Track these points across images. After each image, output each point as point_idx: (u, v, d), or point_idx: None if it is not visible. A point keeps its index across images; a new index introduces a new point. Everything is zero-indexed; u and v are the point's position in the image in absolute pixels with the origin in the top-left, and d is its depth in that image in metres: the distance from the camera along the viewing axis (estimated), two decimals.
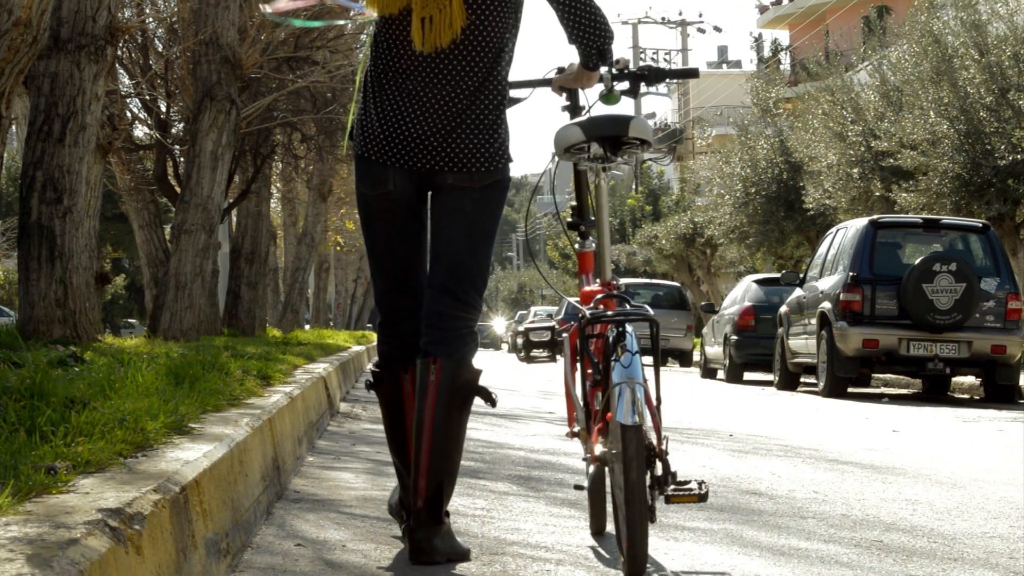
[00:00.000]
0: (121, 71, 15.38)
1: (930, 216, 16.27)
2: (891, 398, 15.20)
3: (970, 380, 16.92)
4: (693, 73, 4.51)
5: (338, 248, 39.31)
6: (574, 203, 4.27)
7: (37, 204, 8.28)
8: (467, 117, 3.87)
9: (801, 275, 17.21)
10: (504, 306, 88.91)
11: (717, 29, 58.70)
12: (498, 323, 65.84)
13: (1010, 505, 5.45)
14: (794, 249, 30.68)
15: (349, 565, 3.74)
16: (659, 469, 3.52)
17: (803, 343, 16.29)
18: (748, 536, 4.42)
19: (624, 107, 4.57)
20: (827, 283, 15.57)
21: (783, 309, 17.47)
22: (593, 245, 4.22)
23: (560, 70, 4.25)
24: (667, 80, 4.34)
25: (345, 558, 3.85)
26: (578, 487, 4.01)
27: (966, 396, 16.50)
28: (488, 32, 3.86)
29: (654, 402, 3.61)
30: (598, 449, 3.73)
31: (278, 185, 25.99)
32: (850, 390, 15.67)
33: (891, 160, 20.37)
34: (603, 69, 4.07)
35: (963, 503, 5.45)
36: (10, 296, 38.68)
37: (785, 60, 47.49)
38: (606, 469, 3.72)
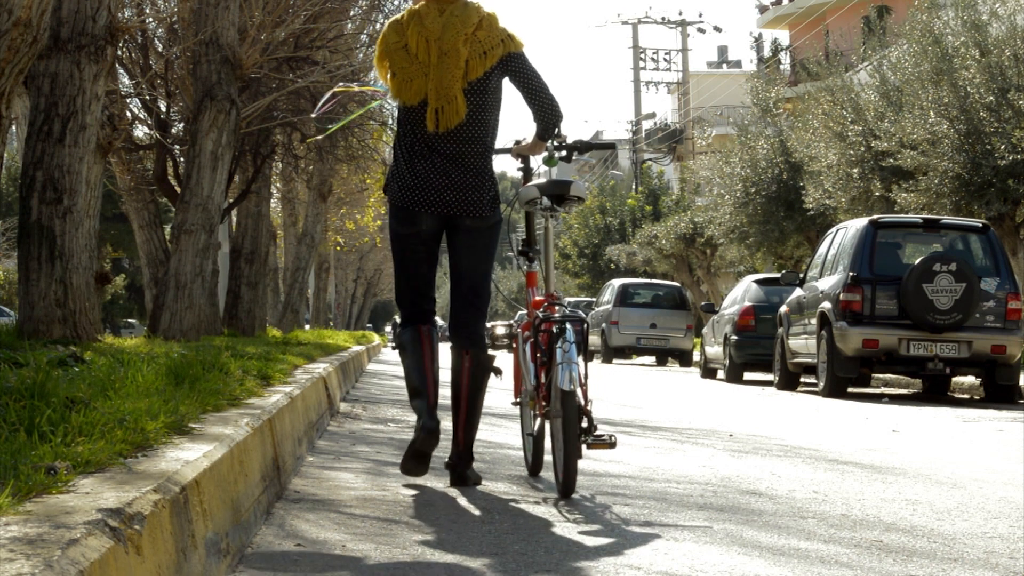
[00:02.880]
0: (121, 71, 15.38)
1: (930, 216, 16.26)
2: (891, 398, 15.19)
3: (970, 380, 16.92)
4: (611, 146, 6.16)
5: (338, 248, 39.32)
6: (523, 237, 5.80)
7: (37, 204, 8.28)
8: (476, 179, 5.42)
9: (801, 275, 17.21)
10: (504, 306, 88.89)
11: (717, 29, 58.71)
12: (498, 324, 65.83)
13: (1010, 505, 5.45)
14: (794, 249, 30.66)
15: (349, 565, 3.74)
16: (584, 422, 5.07)
17: (803, 343, 16.29)
18: (748, 536, 4.42)
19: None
20: (827, 283, 15.57)
21: (783, 309, 17.47)
22: (537, 267, 5.77)
23: (517, 142, 5.83)
24: (591, 150, 5.89)
25: (345, 558, 3.85)
26: (529, 435, 5.74)
27: (966, 396, 16.49)
28: (483, 119, 5.43)
29: (583, 378, 5.12)
30: (545, 409, 5.29)
31: (278, 185, 25.99)
32: (850, 390, 15.67)
33: (891, 160, 20.36)
34: (549, 142, 5.66)
35: (963, 503, 5.45)
36: (10, 296, 38.68)
37: (785, 60, 47.48)
38: (547, 423, 5.38)
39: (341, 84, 6.04)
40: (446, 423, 5.55)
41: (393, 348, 6.02)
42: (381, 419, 9.33)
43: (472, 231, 5.47)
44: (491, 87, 5.41)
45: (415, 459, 5.45)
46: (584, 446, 5.06)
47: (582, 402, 5.07)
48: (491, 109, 5.44)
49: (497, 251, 5.61)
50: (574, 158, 5.88)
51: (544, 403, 5.28)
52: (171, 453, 3.56)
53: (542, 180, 5.69)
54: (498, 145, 5.70)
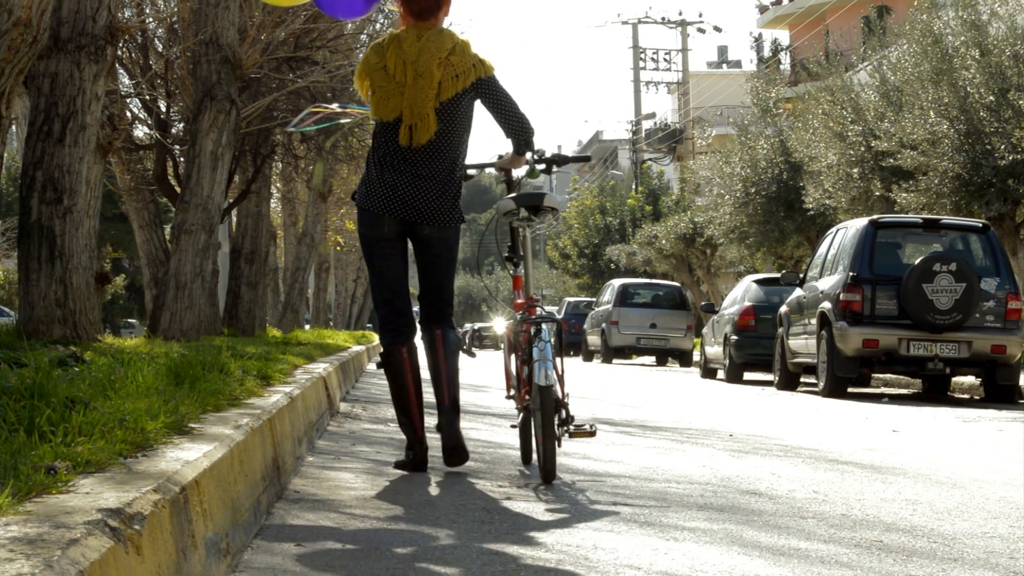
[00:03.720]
0: (121, 71, 15.38)
1: (930, 216, 16.26)
2: (891, 398, 15.19)
3: (970, 380, 16.91)
4: (587, 158, 6.72)
5: (338, 248, 39.31)
6: (510, 244, 6.19)
7: (37, 204, 8.28)
8: (439, 192, 5.93)
9: (801, 275, 17.21)
10: (504, 306, 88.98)
11: (717, 29, 58.70)
12: (499, 323, 65.76)
13: (1010, 505, 5.45)
14: (794, 249, 30.66)
15: (349, 565, 3.74)
16: (563, 414, 5.60)
17: (803, 343, 16.29)
18: (748, 536, 4.42)
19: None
20: (827, 283, 15.57)
21: (783, 309, 17.46)
22: (523, 271, 6.17)
23: (499, 156, 6.27)
24: (569, 163, 6.49)
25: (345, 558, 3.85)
26: (513, 426, 6.36)
27: (966, 396, 16.49)
28: (452, 137, 5.93)
29: (560, 372, 5.65)
30: (527, 402, 5.79)
31: (278, 185, 25.98)
32: (850, 390, 15.67)
33: (891, 160, 20.36)
34: (528, 155, 6.11)
35: (963, 503, 5.45)
36: (10, 296, 38.66)
37: (785, 60, 47.47)
38: (531, 415, 5.75)
39: (317, 105, 6.77)
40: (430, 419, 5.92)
41: (378, 366, 6.99)
42: (381, 419, 9.33)
43: (431, 239, 6.01)
44: (462, 108, 5.93)
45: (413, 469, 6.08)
46: (566, 435, 5.63)
47: (559, 395, 5.62)
48: (461, 128, 5.96)
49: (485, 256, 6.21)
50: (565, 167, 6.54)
51: (526, 397, 5.79)
52: (171, 453, 3.56)
53: (521, 191, 6.31)
54: (482, 160, 6.34)
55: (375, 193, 5.93)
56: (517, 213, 6.04)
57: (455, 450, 5.90)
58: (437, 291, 6.11)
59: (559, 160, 6.35)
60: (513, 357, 6.11)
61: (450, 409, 5.92)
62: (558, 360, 5.64)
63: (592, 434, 5.70)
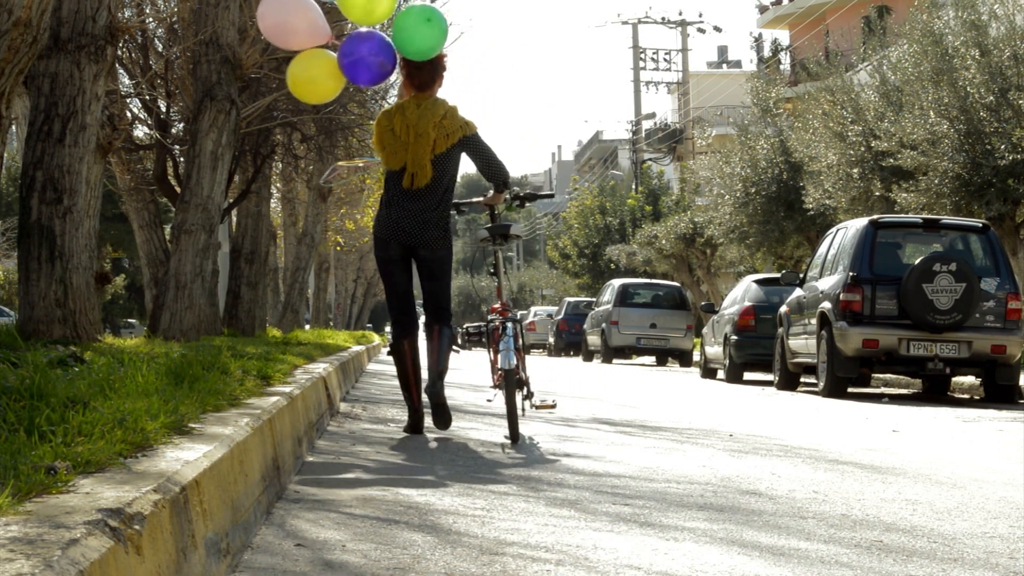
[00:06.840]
0: (121, 71, 15.36)
1: (930, 216, 16.25)
2: (891, 398, 15.19)
3: (970, 380, 16.91)
4: (551, 195, 8.45)
5: (338, 248, 39.32)
6: (493, 262, 8.04)
7: (37, 204, 8.28)
8: (432, 222, 7.68)
9: (801, 275, 17.20)
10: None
11: (717, 29, 58.69)
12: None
13: (1010, 505, 5.45)
14: (794, 249, 30.65)
15: (349, 565, 3.74)
16: (525, 391, 7.78)
17: (803, 343, 16.29)
18: (748, 536, 4.42)
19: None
20: (827, 283, 15.57)
21: (783, 309, 17.46)
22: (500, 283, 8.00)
23: (484, 194, 8.12)
24: (537, 199, 8.49)
25: (344, 558, 3.85)
26: (488, 401, 8.34)
27: (966, 396, 16.49)
28: (442, 181, 7.72)
29: (522, 359, 7.64)
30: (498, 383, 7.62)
31: (278, 185, 25.97)
32: (850, 390, 15.67)
33: (891, 160, 20.35)
34: (505, 194, 7.92)
35: (963, 503, 5.45)
36: (10, 296, 38.66)
37: (785, 60, 47.47)
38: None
39: (344, 161, 8.48)
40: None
41: (388, 353, 9.25)
42: (381, 419, 9.33)
43: (427, 259, 7.76)
44: (451, 159, 7.71)
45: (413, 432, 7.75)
46: (531, 408, 7.82)
47: (523, 376, 7.68)
48: (449, 174, 7.75)
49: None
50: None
51: (498, 378, 7.57)
52: (171, 453, 3.56)
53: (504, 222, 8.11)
54: (471, 199, 8.24)
55: (384, 225, 7.72)
56: (492, 239, 7.86)
57: (438, 408, 7.65)
58: (435, 299, 7.87)
59: (530, 197, 8.28)
60: (489, 349, 7.88)
61: (435, 375, 7.58)
62: (524, 354, 7.54)
63: (553, 407, 7.97)
